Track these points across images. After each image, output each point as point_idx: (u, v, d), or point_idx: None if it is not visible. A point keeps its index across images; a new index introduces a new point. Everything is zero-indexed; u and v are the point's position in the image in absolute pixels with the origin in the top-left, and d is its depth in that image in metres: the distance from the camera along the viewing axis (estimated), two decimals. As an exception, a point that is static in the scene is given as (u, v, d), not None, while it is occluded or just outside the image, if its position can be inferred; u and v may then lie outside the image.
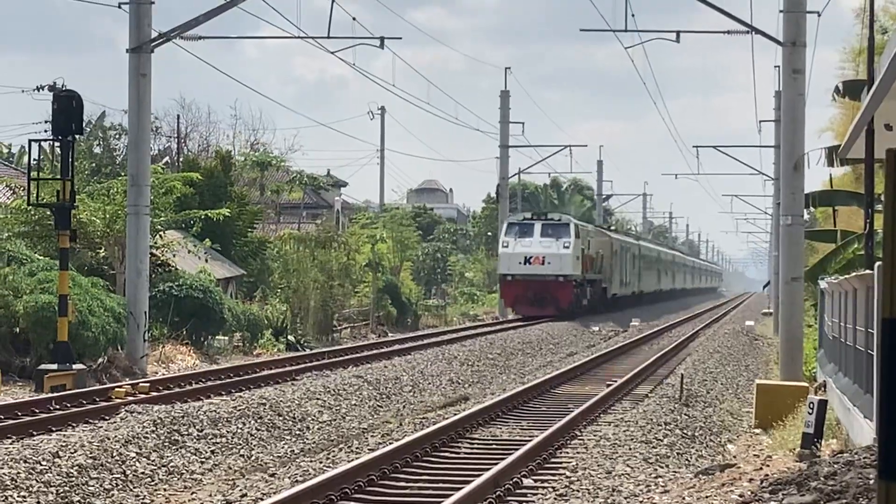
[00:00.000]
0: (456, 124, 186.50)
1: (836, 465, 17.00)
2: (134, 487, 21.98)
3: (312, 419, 30.65)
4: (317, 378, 37.66)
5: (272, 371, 40.52)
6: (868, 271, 24.16)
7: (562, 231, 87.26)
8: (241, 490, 20.62)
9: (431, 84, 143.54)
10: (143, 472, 22.99)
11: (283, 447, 27.02)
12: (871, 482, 14.61)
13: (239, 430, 27.61)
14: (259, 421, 28.93)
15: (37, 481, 20.87)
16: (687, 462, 24.39)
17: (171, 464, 23.97)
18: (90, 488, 21.41)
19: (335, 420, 31.26)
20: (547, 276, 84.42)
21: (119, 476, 22.43)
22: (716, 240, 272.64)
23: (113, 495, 21.22)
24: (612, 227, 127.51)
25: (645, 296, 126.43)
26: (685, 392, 34.87)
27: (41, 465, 21.71)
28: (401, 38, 69.75)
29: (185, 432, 26.35)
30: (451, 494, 19.10)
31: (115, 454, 23.51)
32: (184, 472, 23.56)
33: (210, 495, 20.43)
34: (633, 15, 44.04)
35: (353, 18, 50.43)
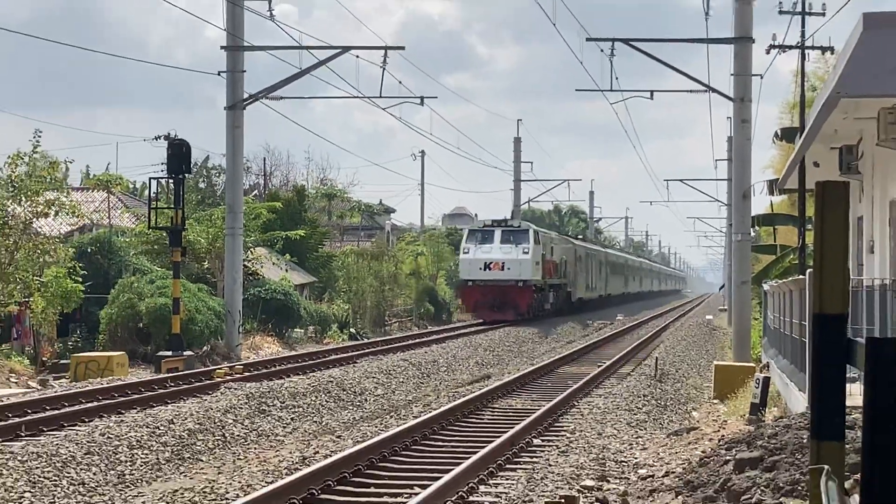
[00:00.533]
0: (480, 163, 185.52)
1: (777, 428, 16.95)
2: (231, 447, 22.09)
3: (369, 393, 30.69)
4: (372, 361, 37.65)
5: (338, 356, 40.45)
6: (801, 276, 24.14)
7: (521, 237, 71.74)
8: (314, 448, 20.67)
9: (460, 133, 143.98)
10: (238, 435, 23.15)
11: (346, 415, 27.06)
12: (805, 441, 14.57)
13: (312, 402, 27.70)
14: (328, 394, 29.00)
15: (156, 442, 20.99)
16: (661, 426, 24.35)
17: (260, 428, 24.10)
18: (197, 447, 21.55)
19: (387, 393, 31.29)
20: (506, 282, 69.21)
21: (220, 438, 22.59)
22: (682, 252, 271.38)
23: (215, 453, 21.35)
24: (580, 237, 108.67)
25: (613, 298, 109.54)
26: (659, 371, 34.80)
27: (160, 429, 21.81)
28: (436, 97, 69.81)
29: (271, 404, 26.46)
30: (478, 451, 19.12)
31: (216, 421, 23.65)
32: (270, 434, 23.66)
33: (290, 452, 20.46)
34: (616, 78, 44.14)
35: (399, 82, 50.78)
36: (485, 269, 68.51)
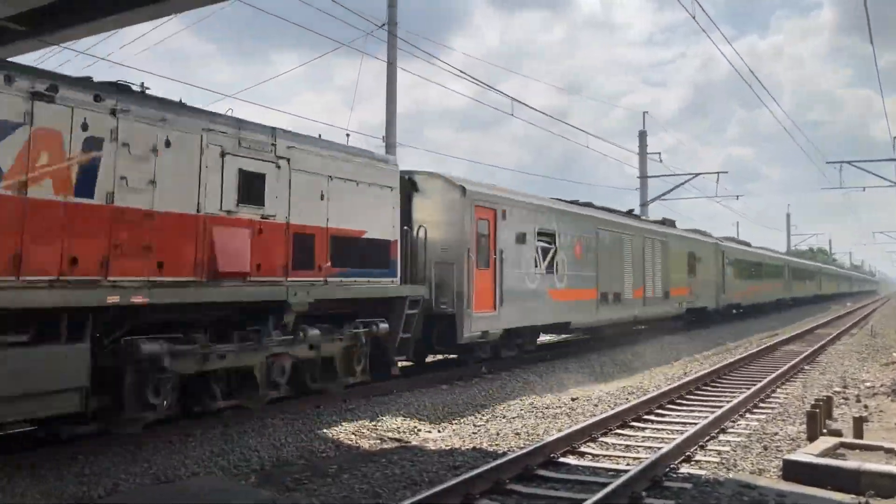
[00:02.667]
0: (769, 228, 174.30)
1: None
2: (648, 367, 20.93)
3: (715, 343, 29.34)
4: (716, 328, 35.98)
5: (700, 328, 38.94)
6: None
7: None
8: (688, 369, 20.00)
9: (764, 214, 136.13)
10: (651, 362, 22.30)
11: (704, 351, 25.85)
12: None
13: (687, 346, 26.72)
14: (694, 344, 27.92)
15: (617, 358, 20.92)
16: (875, 360, 22.17)
17: (661, 359, 23.41)
18: (635, 367, 21.09)
19: (724, 343, 29.83)
20: None
21: (642, 363, 21.81)
22: (886, 270, 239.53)
23: (642, 370, 20.30)
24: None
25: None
26: (873, 331, 31.68)
27: (623, 354, 21.70)
28: (744, 195, 66.91)
29: (668, 347, 25.74)
30: (774, 371, 18.16)
31: (643, 354, 23.27)
32: (666, 361, 22.95)
33: (676, 371, 19.88)
34: (842, 181, 40.59)
35: (726, 188, 48.48)
36: None
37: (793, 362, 19.93)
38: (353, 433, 11.34)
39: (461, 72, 20.09)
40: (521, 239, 16.18)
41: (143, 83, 8.60)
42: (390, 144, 25.40)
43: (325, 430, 11.33)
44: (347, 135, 14.03)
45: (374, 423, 12.00)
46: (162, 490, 8.17)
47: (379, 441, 10.98)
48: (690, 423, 12.16)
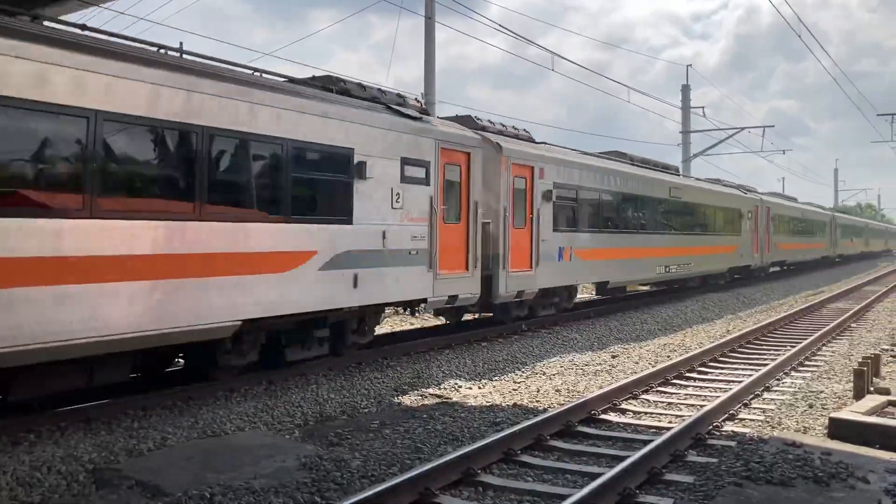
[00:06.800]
0: (815, 182, 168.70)
1: None
2: (690, 326, 20.74)
3: (758, 300, 29.04)
4: (760, 284, 35.61)
5: (741, 283, 38.48)
6: None
7: None
8: (731, 327, 19.87)
9: (806, 168, 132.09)
10: (693, 320, 22.18)
11: (747, 310, 25.71)
12: None
13: (730, 304, 26.52)
14: (737, 300, 27.71)
15: (657, 324, 20.82)
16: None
17: (704, 318, 23.20)
18: (675, 325, 20.56)
19: (768, 300, 29.50)
20: None
21: (684, 322, 21.50)
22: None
23: (684, 328, 19.95)
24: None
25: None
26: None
27: (661, 318, 21.59)
28: (791, 150, 65.58)
29: (709, 307, 25.56)
30: (821, 328, 17.92)
31: (685, 314, 23.09)
32: (709, 320, 22.76)
33: (718, 329, 19.76)
34: (893, 135, 39.17)
35: (772, 143, 47.58)
36: None
37: (839, 320, 19.63)
38: (394, 389, 11.48)
39: (500, 26, 19.81)
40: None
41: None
42: (429, 102, 25.28)
43: (366, 387, 11.49)
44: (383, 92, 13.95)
45: (414, 379, 12.14)
46: (208, 444, 8.38)
47: (420, 398, 11.10)
48: (734, 381, 12.09)
